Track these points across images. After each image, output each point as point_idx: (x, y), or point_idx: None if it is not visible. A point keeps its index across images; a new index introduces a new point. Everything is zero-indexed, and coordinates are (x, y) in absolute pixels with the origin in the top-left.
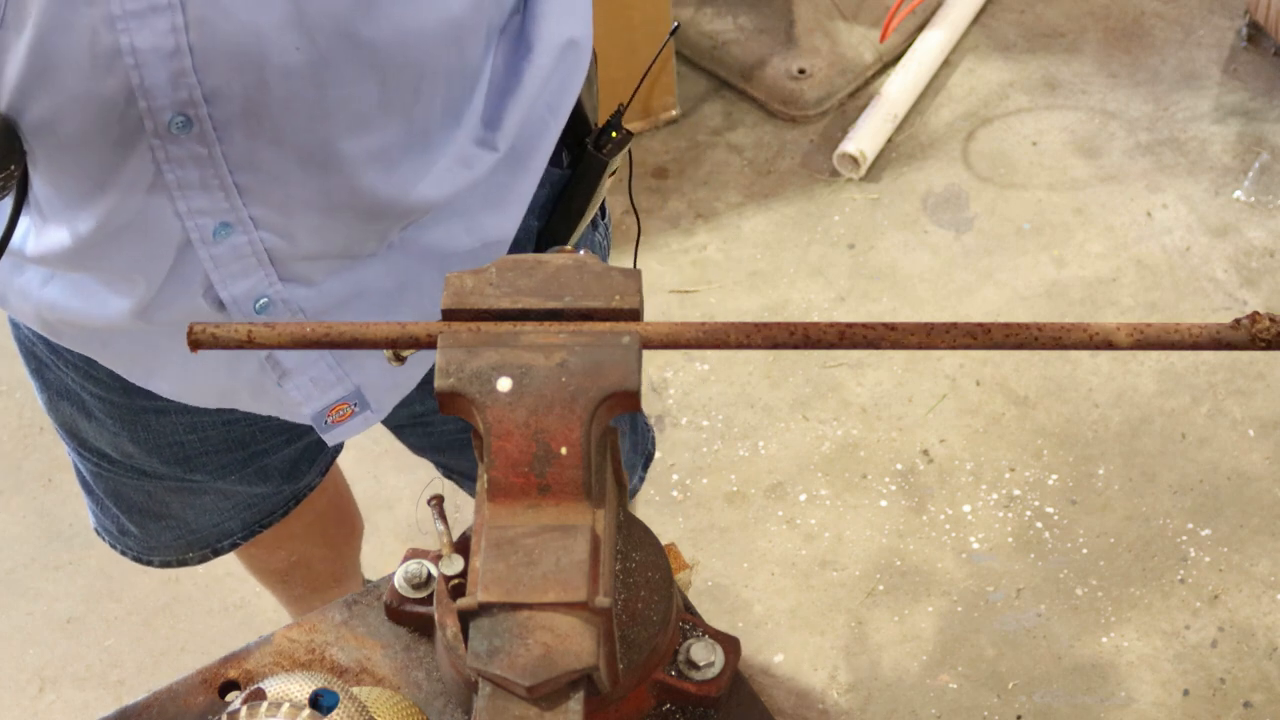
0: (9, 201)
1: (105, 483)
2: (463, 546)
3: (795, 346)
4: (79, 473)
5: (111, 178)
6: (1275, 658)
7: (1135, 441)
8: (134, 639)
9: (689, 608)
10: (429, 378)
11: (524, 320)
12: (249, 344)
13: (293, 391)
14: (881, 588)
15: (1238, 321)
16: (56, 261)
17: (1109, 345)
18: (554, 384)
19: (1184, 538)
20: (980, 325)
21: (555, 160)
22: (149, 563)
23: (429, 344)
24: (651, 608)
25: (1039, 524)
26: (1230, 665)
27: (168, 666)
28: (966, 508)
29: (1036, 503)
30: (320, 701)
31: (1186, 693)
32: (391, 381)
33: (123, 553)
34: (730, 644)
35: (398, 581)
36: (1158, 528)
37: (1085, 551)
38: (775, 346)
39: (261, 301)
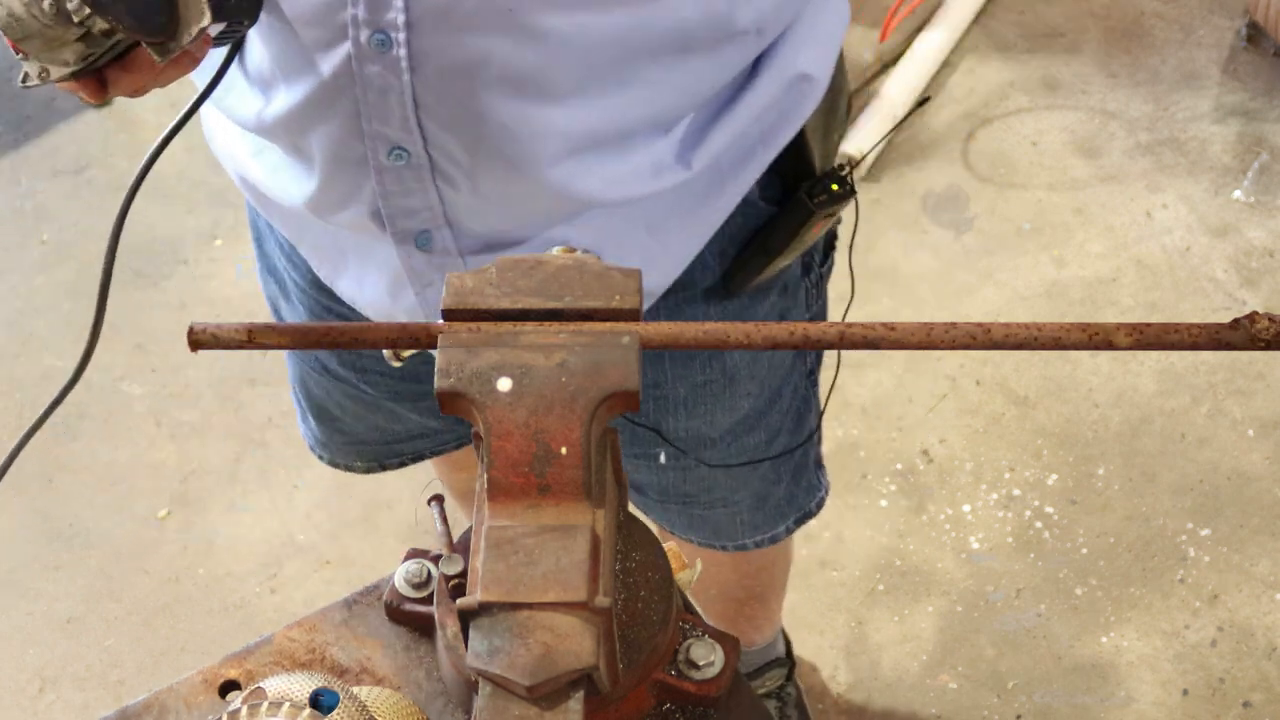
0: (223, 52)
1: (295, 369)
2: (463, 546)
3: (795, 347)
4: (286, 358)
5: (312, 68)
6: (1275, 658)
7: (1135, 441)
8: (134, 639)
9: (689, 607)
10: None
11: (524, 320)
12: (249, 344)
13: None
14: (881, 587)
15: (1237, 321)
16: (254, 128)
17: (1109, 345)
18: (554, 384)
19: (1184, 538)
20: (980, 325)
21: (767, 195)
22: (320, 457)
23: (429, 344)
24: (651, 607)
25: (1039, 524)
26: (1230, 665)
27: (168, 666)
28: (966, 508)
29: (1036, 503)
30: (320, 701)
31: (1186, 692)
32: None
33: (304, 438)
34: (730, 643)
35: (398, 581)
36: (1157, 528)
37: (1085, 551)
38: (775, 346)
39: (423, 237)
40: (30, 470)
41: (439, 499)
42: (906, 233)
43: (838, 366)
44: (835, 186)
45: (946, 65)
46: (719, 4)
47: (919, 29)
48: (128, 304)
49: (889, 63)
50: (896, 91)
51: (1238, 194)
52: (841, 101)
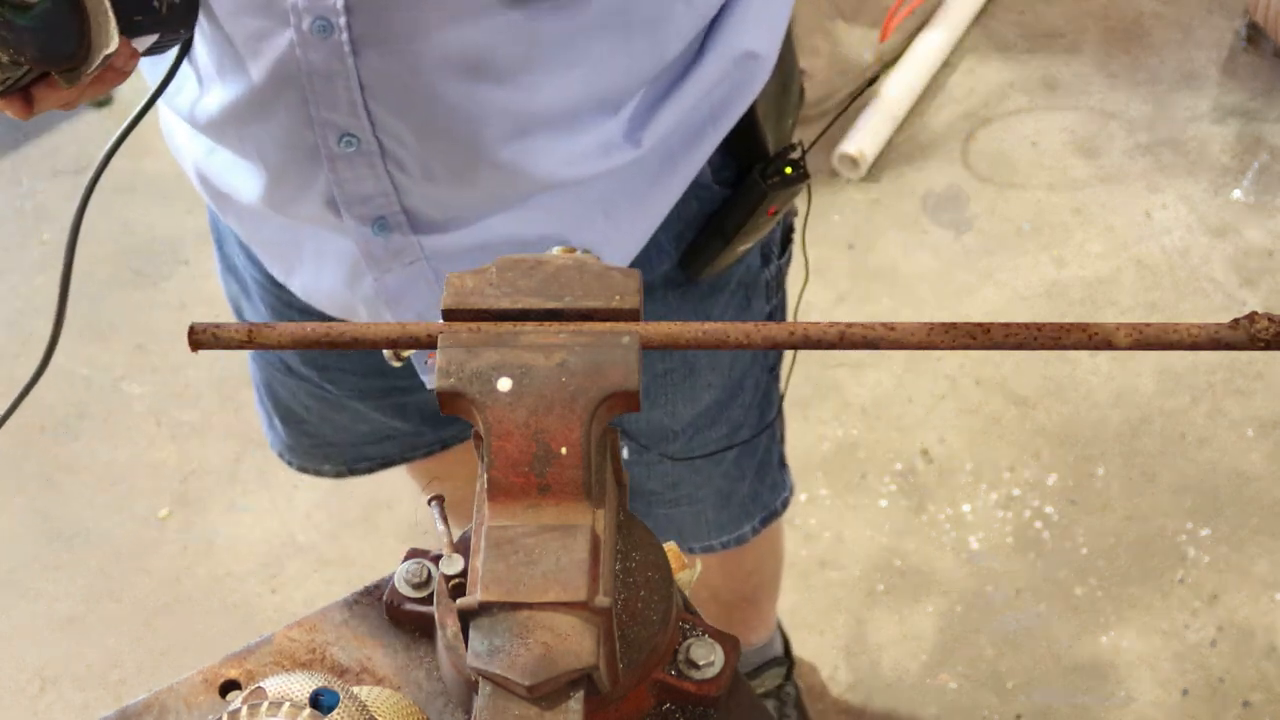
0: (172, 56)
1: (259, 373)
2: (463, 546)
3: (795, 347)
4: (250, 365)
5: (256, 58)
6: (1274, 657)
7: (1135, 441)
8: (134, 639)
9: (689, 607)
10: None
11: (524, 320)
12: (249, 344)
13: (398, 318)
14: (881, 587)
15: (1236, 321)
16: (205, 127)
17: (1108, 345)
18: (554, 384)
19: (1183, 537)
20: (980, 325)
21: (721, 177)
22: (289, 463)
23: (429, 344)
24: (651, 607)
25: (1038, 524)
26: (1229, 665)
27: (168, 666)
28: (966, 507)
29: (1036, 502)
30: (321, 701)
31: (1186, 692)
32: None
33: (271, 445)
34: (730, 643)
35: (398, 581)
36: (1157, 527)
37: (1085, 551)
38: (774, 346)
39: (379, 223)
40: (30, 470)
41: (439, 499)
42: (906, 233)
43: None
44: (789, 169)
45: (946, 65)
46: None
47: (919, 29)
48: (128, 304)
49: (889, 63)
50: (896, 92)
51: (1237, 194)
52: (793, 83)
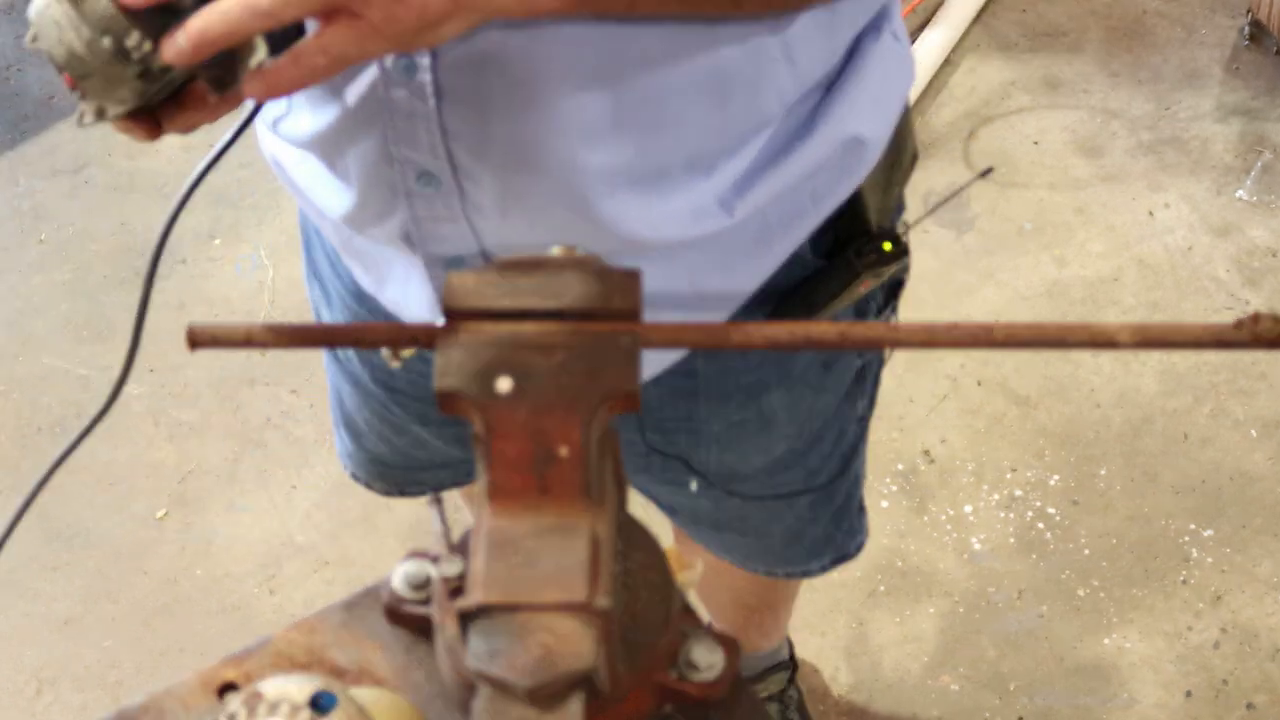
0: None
1: (332, 379)
2: (463, 547)
3: (795, 347)
4: (325, 365)
5: (342, 90)
6: (1278, 659)
7: (1137, 442)
8: (132, 640)
9: (689, 608)
10: (630, 422)
11: (524, 320)
12: (249, 344)
13: None
14: (882, 588)
15: (1240, 321)
16: (293, 142)
17: (1111, 345)
18: (554, 384)
19: (1186, 538)
20: (982, 325)
21: (817, 248)
22: (348, 470)
23: (428, 344)
24: (652, 609)
25: (1040, 524)
26: (1233, 666)
27: (166, 667)
28: (968, 508)
29: (1038, 503)
30: (319, 703)
31: (1189, 694)
32: None
33: (336, 446)
34: (731, 645)
35: (397, 583)
36: (1160, 528)
37: (1087, 552)
38: (775, 347)
39: (455, 261)
40: (29, 470)
41: (438, 499)
42: None
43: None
44: (887, 246)
45: (948, 64)
46: (760, 33)
47: (920, 28)
48: (127, 304)
49: None
50: None
51: (1240, 193)
52: (905, 158)
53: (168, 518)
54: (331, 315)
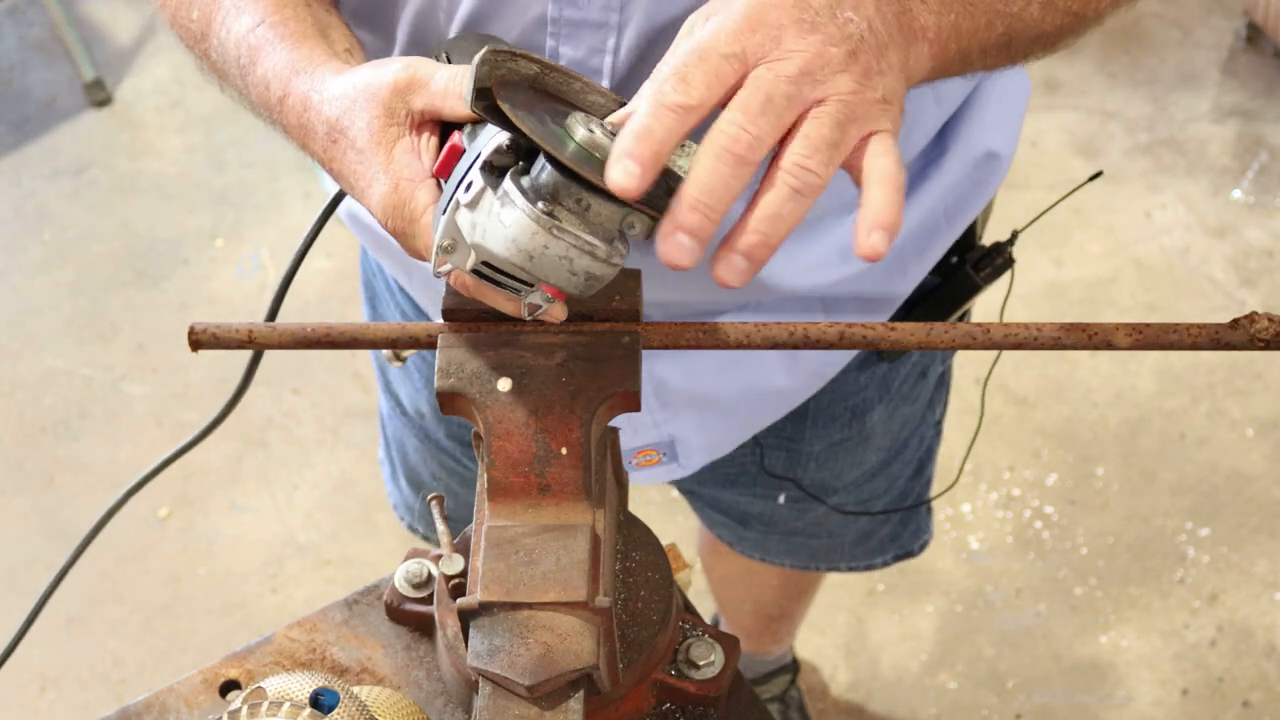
0: None
1: (394, 431)
2: (463, 546)
3: (795, 347)
4: (380, 418)
5: None
6: (1274, 657)
7: (1134, 441)
8: (135, 639)
9: (688, 607)
10: (745, 448)
11: (524, 320)
12: (249, 344)
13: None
14: (881, 587)
15: (1236, 321)
16: None
17: (1108, 345)
18: (554, 384)
19: (1183, 537)
20: (980, 325)
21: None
22: (405, 522)
23: (429, 344)
24: (651, 607)
25: (1038, 524)
26: (1229, 664)
27: (169, 666)
28: (966, 507)
29: (1036, 502)
30: (321, 701)
31: (1185, 692)
32: (706, 441)
33: (389, 497)
34: (730, 643)
35: (398, 581)
36: (1156, 527)
37: (1084, 551)
38: (775, 347)
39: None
40: (31, 470)
41: (439, 498)
42: None
43: None
44: (999, 259)
45: None
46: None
47: None
48: (129, 304)
49: None
50: None
51: (1237, 194)
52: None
53: (170, 517)
54: (400, 371)
